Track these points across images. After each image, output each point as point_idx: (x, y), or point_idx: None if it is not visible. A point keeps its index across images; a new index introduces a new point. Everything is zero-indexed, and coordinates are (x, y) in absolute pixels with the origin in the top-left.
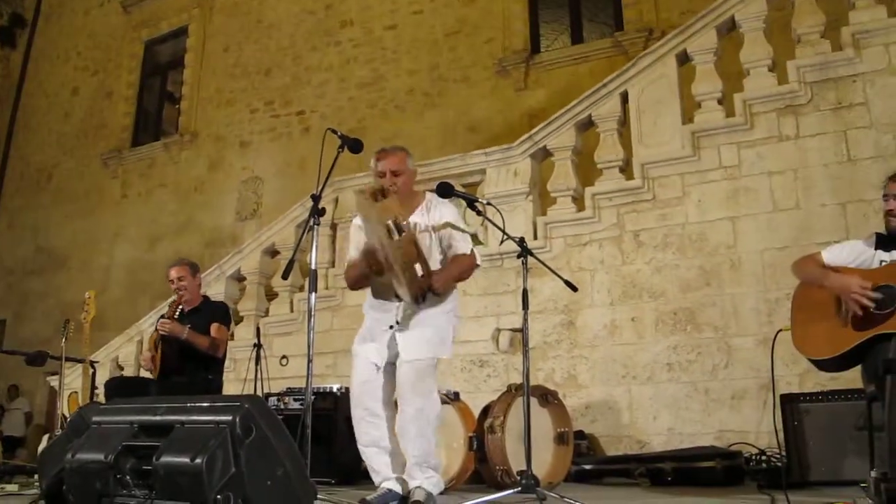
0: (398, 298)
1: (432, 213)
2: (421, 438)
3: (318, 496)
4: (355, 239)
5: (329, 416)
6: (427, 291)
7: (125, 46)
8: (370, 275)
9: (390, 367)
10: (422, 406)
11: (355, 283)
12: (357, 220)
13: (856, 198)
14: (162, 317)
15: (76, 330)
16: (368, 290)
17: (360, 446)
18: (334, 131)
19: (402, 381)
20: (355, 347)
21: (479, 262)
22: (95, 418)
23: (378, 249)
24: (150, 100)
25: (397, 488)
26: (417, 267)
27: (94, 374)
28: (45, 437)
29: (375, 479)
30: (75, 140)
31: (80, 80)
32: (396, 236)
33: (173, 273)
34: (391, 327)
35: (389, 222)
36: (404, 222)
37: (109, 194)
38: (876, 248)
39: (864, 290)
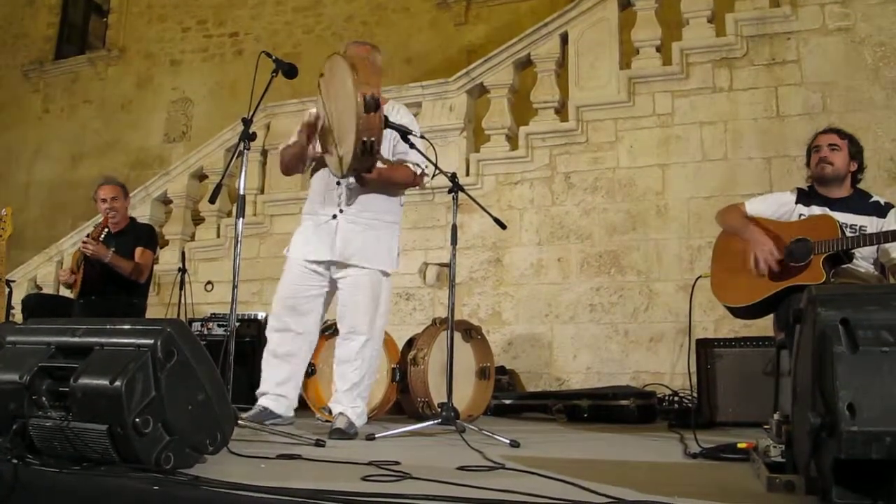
0: (338, 185)
1: (394, 116)
2: (363, 367)
3: (239, 422)
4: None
5: (253, 343)
6: (364, 171)
7: None
8: (306, 150)
9: (324, 275)
10: (371, 337)
11: (289, 162)
12: (312, 109)
13: (781, 153)
14: (88, 236)
15: None
16: (309, 191)
17: (266, 354)
18: (269, 55)
19: (349, 298)
20: (288, 251)
21: (425, 182)
22: (10, 338)
23: (323, 116)
24: (75, 10)
25: (275, 406)
26: (364, 144)
27: (10, 294)
28: None
29: (264, 385)
30: None
31: None
32: (373, 112)
33: (105, 193)
34: (334, 216)
35: (368, 94)
36: (379, 100)
37: (30, 108)
38: (796, 203)
39: (771, 255)
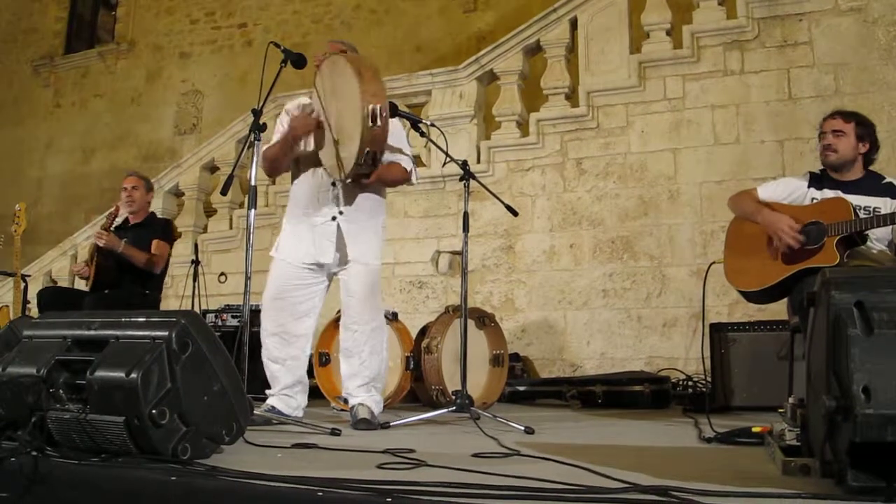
0: (334, 185)
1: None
2: (374, 357)
3: (255, 412)
4: (284, 125)
5: None
6: (363, 177)
7: None
8: (293, 147)
9: (321, 272)
10: (378, 324)
11: (276, 160)
12: (290, 105)
13: (794, 136)
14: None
15: (6, 243)
16: (292, 193)
17: (264, 359)
18: (277, 45)
19: (356, 291)
20: (278, 253)
21: (414, 181)
22: (27, 332)
23: (318, 112)
24: (83, 4)
25: (283, 406)
26: (367, 154)
27: (25, 288)
28: None
29: (275, 386)
30: (1, 45)
31: None
32: (378, 125)
33: (127, 182)
34: (333, 218)
35: (376, 106)
36: (384, 113)
37: (41, 103)
38: (809, 186)
39: (792, 229)
